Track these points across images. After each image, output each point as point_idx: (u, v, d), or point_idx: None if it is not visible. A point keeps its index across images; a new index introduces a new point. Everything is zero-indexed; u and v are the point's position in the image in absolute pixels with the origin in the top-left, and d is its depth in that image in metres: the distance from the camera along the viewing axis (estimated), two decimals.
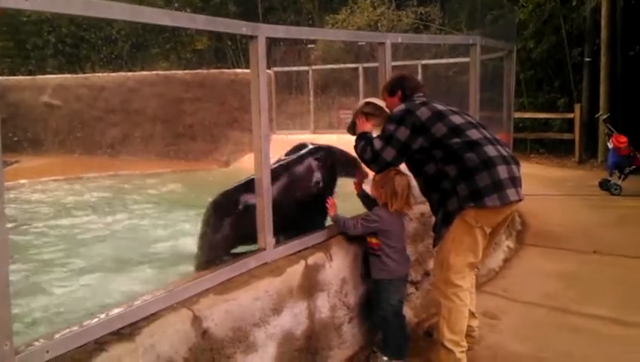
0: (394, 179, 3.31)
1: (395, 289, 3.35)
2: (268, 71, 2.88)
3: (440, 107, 3.31)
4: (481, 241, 3.20)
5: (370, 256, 3.39)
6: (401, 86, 3.58)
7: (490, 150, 3.13)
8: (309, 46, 15.19)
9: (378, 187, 3.37)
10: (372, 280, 3.41)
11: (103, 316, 2.16)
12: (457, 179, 3.11)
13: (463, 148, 3.12)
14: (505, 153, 3.19)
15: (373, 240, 3.33)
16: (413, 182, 3.42)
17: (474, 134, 3.18)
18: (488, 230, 3.19)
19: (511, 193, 3.08)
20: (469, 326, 3.51)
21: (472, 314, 3.54)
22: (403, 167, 3.41)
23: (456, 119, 3.24)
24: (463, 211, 3.10)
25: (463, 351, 3.22)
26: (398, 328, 3.37)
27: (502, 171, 3.08)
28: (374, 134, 3.40)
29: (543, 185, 9.09)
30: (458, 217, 3.14)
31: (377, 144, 3.27)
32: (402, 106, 3.36)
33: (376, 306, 3.39)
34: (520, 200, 3.16)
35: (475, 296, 3.62)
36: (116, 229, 6.94)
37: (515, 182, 3.15)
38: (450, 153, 3.15)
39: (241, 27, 2.84)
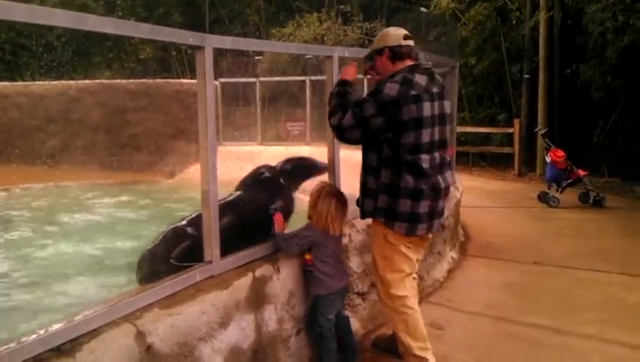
0: (324, 198, 3.32)
1: (331, 303, 3.34)
2: (215, 82, 2.86)
3: None
4: (411, 253, 3.27)
5: (306, 272, 3.38)
6: None
7: (439, 180, 3.14)
8: (256, 58, 15.17)
9: (311, 203, 3.36)
10: (310, 296, 3.40)
11: (42, 332, 2.07)
12: (405, 192, 3.10)
13: (407, 165, 3.09)
14: (444, 185, 3.20)
15: (307, 256, 3.33)
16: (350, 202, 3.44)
17: (434, 158, 3.14)
18: (414, 244, 3.28)
19: (436, 224, 3.26)
20: None
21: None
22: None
23: (428, 134, 3.12)
24: (393, 226, 3.17)
25: (431, 353, 3.29)
26: (333, 344, 3.35)
27: (441, 203, 3.21)
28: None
29: (484, 198, 9.32)
30: (381, 234, 3.23)
31: None
32: None
33: (313, 322, 3.37)
34: (435, 231, 3.34)
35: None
36: (51, 241, 6.72)
37: (441, 214, 3.29)
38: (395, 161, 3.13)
39: (188, 37, 2.81)
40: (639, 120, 11.30)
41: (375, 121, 3.04)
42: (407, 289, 3.29)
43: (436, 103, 3.12)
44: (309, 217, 3.39)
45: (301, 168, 4.28)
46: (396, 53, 3.19)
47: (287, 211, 4.06)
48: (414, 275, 3.51)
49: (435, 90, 3.14)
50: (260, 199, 4.03)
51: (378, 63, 3.28)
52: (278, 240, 3.34)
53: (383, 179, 3.16)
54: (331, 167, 3.92)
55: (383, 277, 3.29)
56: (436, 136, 3.14)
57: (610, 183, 10.97)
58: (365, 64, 3.40)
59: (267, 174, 4.25)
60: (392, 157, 3.11)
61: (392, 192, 3.13)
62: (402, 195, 3.10)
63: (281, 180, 4.24)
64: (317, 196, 3.35)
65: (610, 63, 10.64)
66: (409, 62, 3.20)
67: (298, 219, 3.83)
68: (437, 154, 3.16)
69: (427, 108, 3.06)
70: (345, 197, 3.42)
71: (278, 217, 3.44)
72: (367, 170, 3.27)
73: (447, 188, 3.26)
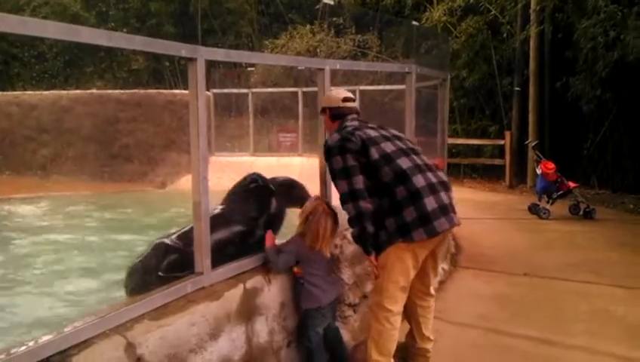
0: (319, 218, 3.34)
1: (321, 316, 3.34)
2: (207, 93, 2.87)
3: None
4: (412, 265, 3.26)
5: (297, 285, 3.38)
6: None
7: (419, 180, 3.17)
8: (249, 69, 15.23)
9: (302, 219, 3.40)
10: (300, 310, 3.39)
11: (31, 343, 2.07)
12: (386, 213, 3.16)
13: (394, 181, 3.17)
14: (434, 180, 3.23)
15: (296, 269, 3.34)
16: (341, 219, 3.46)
17: (404, 162, 3.22)
18: (421, 255, 3.27)
19: (439, 224, 3.13)
20: (424, 349, 3.60)
21: (428, 339, 3.61)
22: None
23: (388, 146, 3.29)
24: (392, 244, 3.19)
25: None
26: (322, 359, 3.34)
27: (429, 203, 3.13)
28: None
29: (475, 209, 9.35)
30: (394, 249, 3.22)
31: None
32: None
33: (302, 336, 3.36)
34: (452, 226, 3.24)
35: (432, 320, 3.68)
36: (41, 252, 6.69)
37: (445, 210, 3.19)
38: (382, 185, 3.20)
39: (181, 49, 2.83)
40: (629, 133, 11.40)
41: (355, 163, 3.21)
42: (397, 306, 3.30)
43: (379, 130, 3.42)
44: (300, 232, 3.40)
45: (292, 194, 4.21)
46: (334, 114, 3.60)
47: (279, 221, 4.04)
48: (432, 291, 3.61)
49: (370, 125, 3.48)
50: (248, 210, 3.98)
51: (324, 119, 3.71)
52: (268, 255, 3.36)
53: (380, 207, 3.21)
54: (322, 178, 3.94)
55: (380, 285, 3.31)
56: (402, 146, 3.35)
57: (600, 195, 11.04)
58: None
59: (257, 183, 4.16)
60: (375, 184, 3.20)
61: (394, 210, 3.15)
62: (404, 206, 3.13)
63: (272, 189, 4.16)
64: (311, 214, 3.36)
65: (600, 77, 10.74)
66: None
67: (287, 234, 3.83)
68: (415, 157, 3.30)
69: (371, 132, 3.35)
70: (337, 217, 3.44)
71: (269, 234, 3.46)
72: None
73: (442, 183, 3.28)
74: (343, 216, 3.41)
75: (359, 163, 3.21)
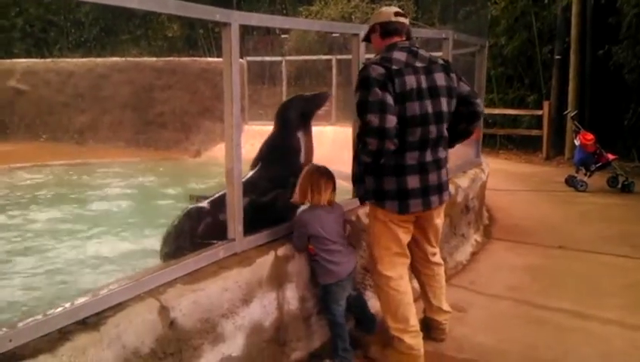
0: (305, 175, 3.34)
1: (342, 289, 3.25)
2: (241, 60, 2.87)
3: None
4: (401, 232, 3.22)
5: (312, 262, 3.28)
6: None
7: (413, 156, 3.03)
8: (283, 36, 15.11)
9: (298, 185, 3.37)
10: (319, 285, 3.30)
11: (67, 305, 2.12)
12: (369, 171, 3.11)
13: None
14: (429, 158, 3.07)
15: (310, 246, 3.22)
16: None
17: (412, 134, 3.01)
18: (403, 225, 3.20)
19: (414, 204, 3.08)
20: (435, 320, 3.55)
21: (438, 309, 3.56)
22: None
23: (414, 107, 3.02)
24: (367, 202, 3.22)
25: (413, 336, 3.22)
26: (345, 331, 3.26)
27: (412, 181, 3.05)
28: None
29: (510, 181, 9.22)
30: (372, 212, 3.25)
31: None
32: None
33: (325, 310, 3.31)
34: (425, 210, 3.14)
35: (444, 291, 3.63)
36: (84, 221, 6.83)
37: (426, 191, 3.09)
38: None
39: (215, 14, 2.81)
40: None
41: (393, 103, 2.93)
42: (395, 271, 3.24)
43: (422, 77, 3.05)
44: (298, 200, 3.37)
45: (304, 105, 4.11)
46: (386, 30, 3.23)
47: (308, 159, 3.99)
48: (435, 259, 3.51)
49: (418, 64, 3.08)
50: (279, 173, 3.96)
51: (373, 41, 3.33)
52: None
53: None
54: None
55: (372, 254, 3.32)
56: (429, 109, 3.03)
57: (639, 168, 10.77)
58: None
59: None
60: None
61: (376, 172, 3.09)
62: (385, 173, 3.07)
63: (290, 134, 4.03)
64: (301, 176, 3.39)
65: None
66: (397, 39, 3.19)
67: None
68: (432, 128, 3.05)
69: (411, 81, 3.00)
70: (328, 170, 3.35)
71: None
72: (355, 156, 3.19)
73: (437, 161, 3.13)
74: None
75: None
